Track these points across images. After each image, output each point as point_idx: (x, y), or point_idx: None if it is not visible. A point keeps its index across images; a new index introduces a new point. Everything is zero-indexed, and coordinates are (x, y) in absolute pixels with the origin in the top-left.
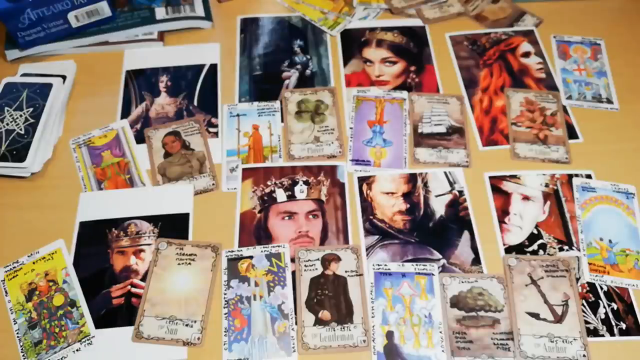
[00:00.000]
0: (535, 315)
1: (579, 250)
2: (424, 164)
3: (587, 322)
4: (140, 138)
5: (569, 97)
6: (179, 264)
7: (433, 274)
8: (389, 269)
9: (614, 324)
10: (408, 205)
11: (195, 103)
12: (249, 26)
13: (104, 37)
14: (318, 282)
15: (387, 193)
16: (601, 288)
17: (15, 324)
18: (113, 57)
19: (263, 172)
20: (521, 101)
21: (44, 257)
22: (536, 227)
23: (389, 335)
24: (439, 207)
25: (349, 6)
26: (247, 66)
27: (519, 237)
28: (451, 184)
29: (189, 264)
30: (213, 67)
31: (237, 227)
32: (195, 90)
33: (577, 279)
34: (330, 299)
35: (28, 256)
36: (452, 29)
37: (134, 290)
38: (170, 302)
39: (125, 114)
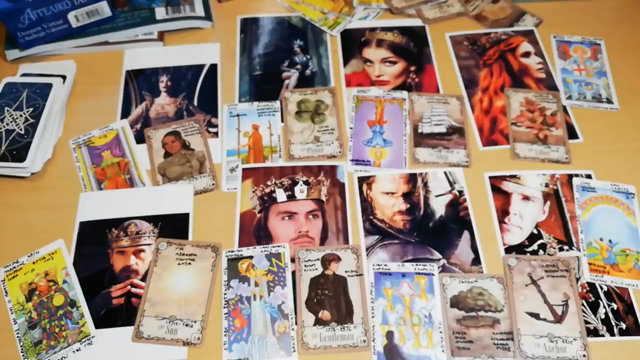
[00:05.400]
0: (535, 315)
1: (579, 250)
2: (424, 164)
3: (587, 322)
4: (140, 138)
5: (569, 97)
6: (179, 264)
7: (433, 274)
8: (389, 269)
9: (614, 324)
10: (408, 205)
11: (195, 103)
12: (249, 26)
13: (104, 37)
14: (318, 282)
15: (387, 193)
16: (601, 288)
17: (15, 324)
18: (113, 57)
19: (263, 172)
20: (521, 101)
21: (44, 257)
22: (536, 227)
23: (389, 335)
24: (439, 207)
25: (349, 6)
26: (247, 66)
27: (519, 237)
28: (451, 184)
29: (189, 264)
30: (213, 67)
31: (237, 227)
32: (195, 90)
33: (577, 279)
34: (330, 299)
35: (28, 256)
36: (452, 29)
37: (134, 290)
38: (170, 302)
39: (125, 114)
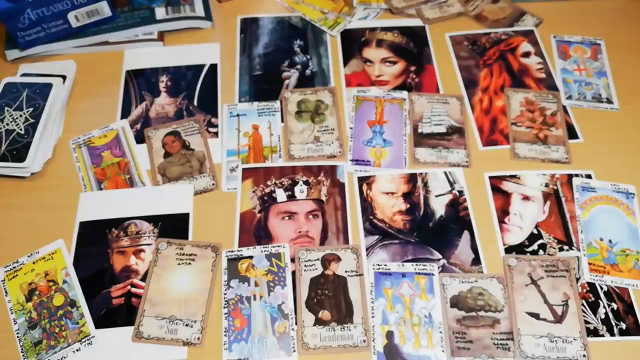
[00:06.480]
0: (535, 315)
1: (579, 250)
2: (424, 164)
3: (587, 322)
4: (140, 138)
5: (569, 97)
6: (179, 264)
7: (433, 274)
8: (389, 269)
9: (614, 324)
10: (408, 205)
11: (195, 103)
12: (249, 26)
13: (104, 37)
14: (318, 282)
15: (387, 193)
16: (601, 288)
17: (15, 324)
18: (113, 57)
19: (263, 172)
20: (521, 101)
21: (44, 257)
22: (536, 227)
23: (389, 335)
24: (439, 207)
25: (349, 6)
26: (247, 66)
27: (519, 237)
28: (451, 184)
29: (189, 264)
30: (213, 67)
31: (237, 227)
32: (195, 90)
33: (577, 279)
34: (330, 299)
35: (28, 256)
36: (452, 29)
37: (134, 290)
38: (170, 302)
39: (125, 114)
